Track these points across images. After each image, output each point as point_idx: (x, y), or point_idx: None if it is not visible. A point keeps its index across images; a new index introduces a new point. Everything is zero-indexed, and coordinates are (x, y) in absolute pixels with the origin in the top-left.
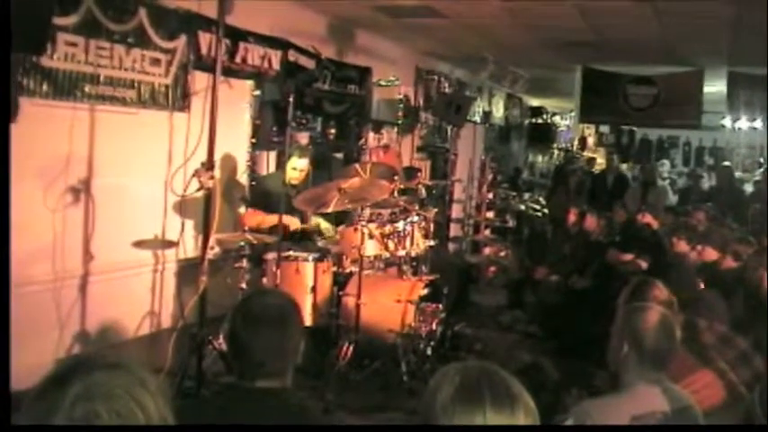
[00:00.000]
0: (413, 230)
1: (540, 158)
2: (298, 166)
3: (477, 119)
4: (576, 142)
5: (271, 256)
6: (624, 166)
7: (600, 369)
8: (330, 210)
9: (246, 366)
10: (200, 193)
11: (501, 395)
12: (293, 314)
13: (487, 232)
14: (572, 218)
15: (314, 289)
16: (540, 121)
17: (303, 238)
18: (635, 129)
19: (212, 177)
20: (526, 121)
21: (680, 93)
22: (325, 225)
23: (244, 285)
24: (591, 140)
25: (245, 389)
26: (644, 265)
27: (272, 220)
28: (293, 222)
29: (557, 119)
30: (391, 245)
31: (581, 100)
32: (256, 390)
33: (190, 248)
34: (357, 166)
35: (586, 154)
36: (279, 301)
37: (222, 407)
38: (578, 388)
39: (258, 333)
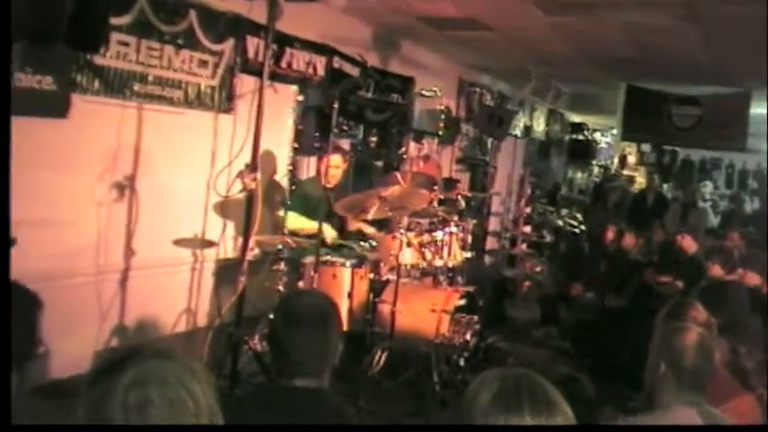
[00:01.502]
0: (450, 241)
1: (579, 175)
2: (333, 163)
3: (518, 133)
4: (616, 160)
5: (309, 260)
6: (665, 187)
7: (634, 390)
8: (370, 217)
9: (285, 365)
10: (242, 195)
11: (539, 402)
12: (333, 315)
13: (524, 247)
14: (610, 235)
15: (350, 295)
16: (580, 137)
17: (341, 245)
18: (677, 149)
19: (255, 179)
20: (567, 137)
21: (725, 114)
22: (368, 229)
23: (281, 288)
24: (631, 159)
25: (282, 388)
26: (681, 286)
27: (311, 227)
28: (330, 234)
29: (597, 136)
30: (428, 254)
31: (623, 117)
32: (294, 389)
33: (229, 249)
34: (398, 174)
35: (626, 172)
36: (319, 301)
37: (259, 405)
38: (612, 407)
39: (298, 332)
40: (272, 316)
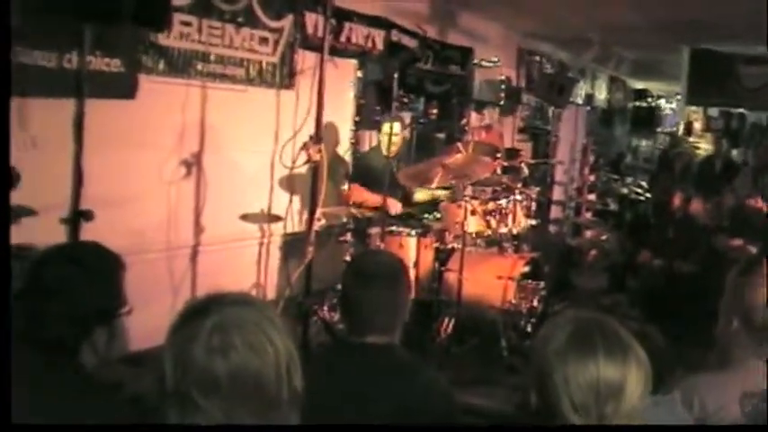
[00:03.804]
0: (515, 208)
1: (643, 143)
2: (392, 131)
3: (580, 101)
4: (681, 127)
5: (374, 230)
6: (734, 153)
7: (706, 350)
8: (434, 185)
9: (356, 322)
10: (306, 169)
11: (614, 344)
12: (402, 272)
13: (589, 215)
14: (676, 202)
15: (416, 264)
16: (643, 104)
17: (406, 215)
18: (746, 113)
19: (320, 151)
20: (629, 105)
21: None
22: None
23: (348, 259)
24: (697, 125)
25: (354, 344)
26: (754, 251)
27: (375, 200)
28: (394, 206)
29: (661, 102)
30: (493, 222)
31: (688, 82)
32: (366, 345)
33: (295, 223)
34: (460, 144)
35: (692, 139)
36: (389, 259)
37: (331, 362)
38: (683, 368)
39: (369, 288)
40: (342, 274)
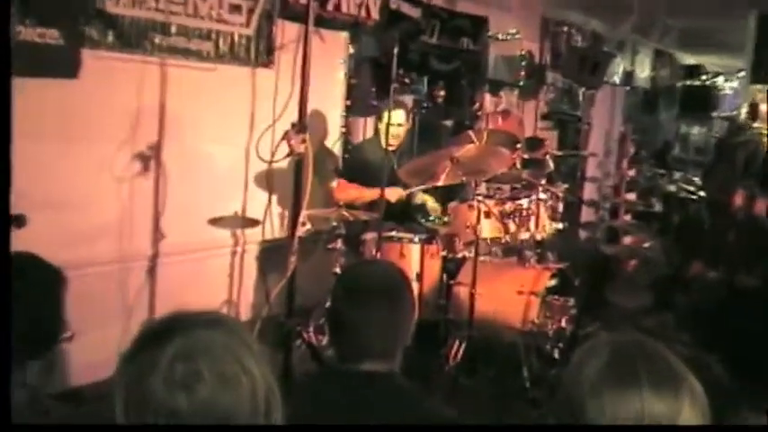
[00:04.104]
0: (538, 210)
1: (695, 130)
2: (394, 120)
3: (617, 81)
4: (744, 110)
5: (370, 236)
6: None
7: None
8: (440, 183)
9: (349, 346)
10: (287, 164)
11: (661, 374)
12: (403, 285)
13: (628, 218)
14: (738, 201)
15: (420, 276)
16: (696, 83)
17: (407, 218)
18: None
19: (304, 141)
20: (679, 84)
21: None
22: (432, 204)
23: (338, 271)
24: (764, 108)
25: (346, 373)
26: None
27: (370, 194)
28: (395, 193)
29: (719, 81)
30: (512, 226)
31: (754, 55)
32: (360, 374)
33: (275, 228)
34: (471, 133)
35: (758, 125)
36: (387, 270)
37: (319, 393)
38: (749, 409)
39: (364, 306)
40: (332, 291)
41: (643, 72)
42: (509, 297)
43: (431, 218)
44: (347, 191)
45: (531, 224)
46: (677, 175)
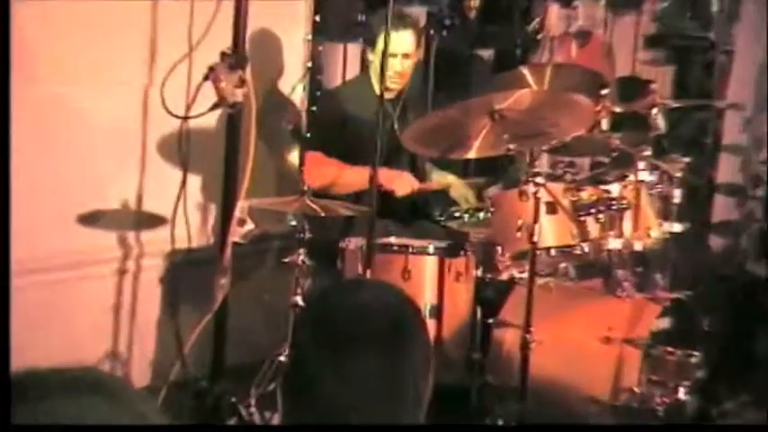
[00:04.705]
0: (638, 200)
1: None
2: (396, 48)
3: None
4: None
5: (353, 243)
6: None
7: None
8: (473, 154)
9: (322, 417)
10: (216, 122)
11: None
12: (413, 324)
13: None
14: None
15: (438, 310)
16: None
17: (417, 213)
18: None
19: (243, 83)
20: None
21: None
22: (460, 191)
23: (299, 301)
24: None
25: None
26: None
27: (357, 175)
28: (403, 183)
29: None
30: (594, 227)
31: None
32: None
33: (193, 230)
34: (525, 69)
35: None
36: (385, 299)
37: None
38: None
39: (348, 362)
40: (292, 334)
41: None
42: (589, 347)
43: (456, 213)
44: (319, 169)
45: (627, 225)
46: None
